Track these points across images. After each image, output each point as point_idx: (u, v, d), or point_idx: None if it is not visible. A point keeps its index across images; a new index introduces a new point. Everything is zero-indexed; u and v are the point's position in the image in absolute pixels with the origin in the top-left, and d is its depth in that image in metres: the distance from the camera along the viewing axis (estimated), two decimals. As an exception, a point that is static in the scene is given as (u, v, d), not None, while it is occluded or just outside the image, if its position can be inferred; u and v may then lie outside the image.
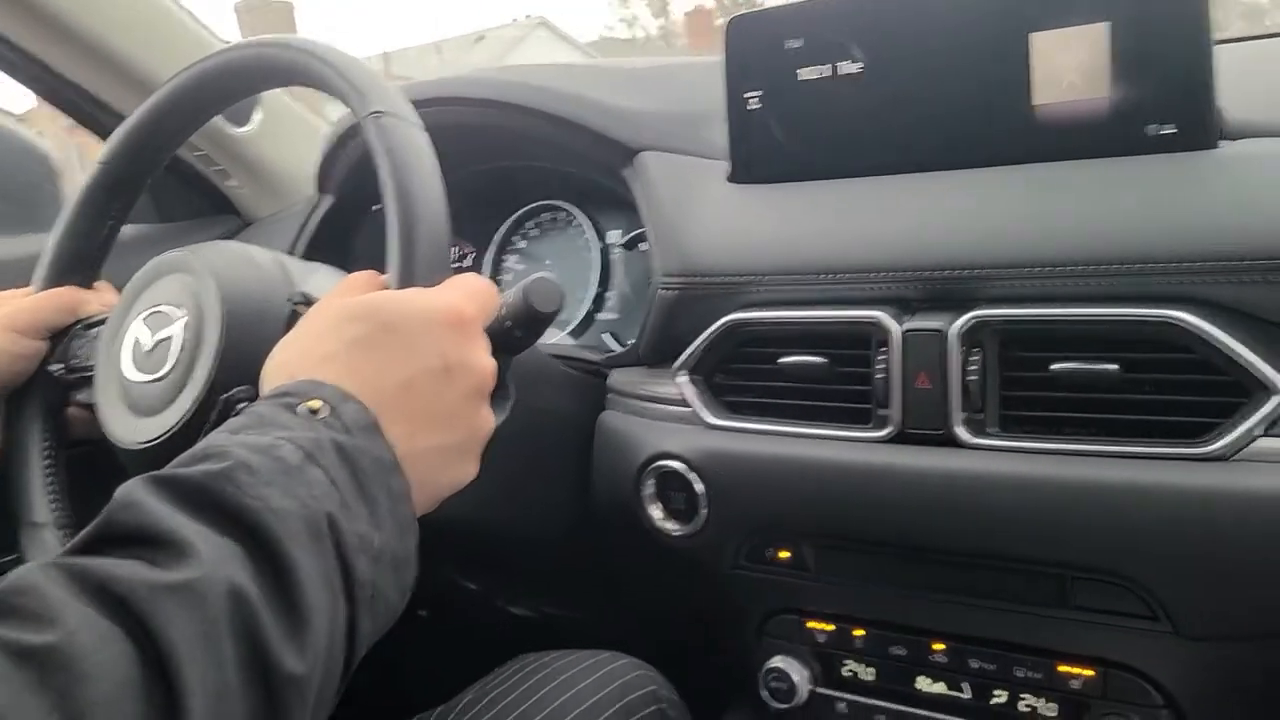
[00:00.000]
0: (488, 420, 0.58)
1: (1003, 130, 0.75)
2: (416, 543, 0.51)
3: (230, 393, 0.56)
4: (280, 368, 0.55)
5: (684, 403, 0.82)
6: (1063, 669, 0.73)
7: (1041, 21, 0.72)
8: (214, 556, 0.40)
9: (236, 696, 0.39)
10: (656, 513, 0.84)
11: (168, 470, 0.44)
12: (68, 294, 0.79)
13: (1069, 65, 0.72)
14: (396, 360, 0.53)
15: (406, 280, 0.59)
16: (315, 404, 0.49)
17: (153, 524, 0.41)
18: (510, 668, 0.81)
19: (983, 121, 0.76)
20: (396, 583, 0.49)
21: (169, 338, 0.68)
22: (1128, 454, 0.66)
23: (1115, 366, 0.66)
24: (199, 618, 0.38)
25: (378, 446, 0.50)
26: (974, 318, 0.70)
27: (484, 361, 0.57)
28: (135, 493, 0.43)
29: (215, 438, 0.47)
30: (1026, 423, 0.70)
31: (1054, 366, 0.68)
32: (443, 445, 0.55)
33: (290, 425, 0.48)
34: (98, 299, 0.81)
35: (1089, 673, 0.72)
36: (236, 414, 0.51)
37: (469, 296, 0.58)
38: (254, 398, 0.55)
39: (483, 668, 0.83)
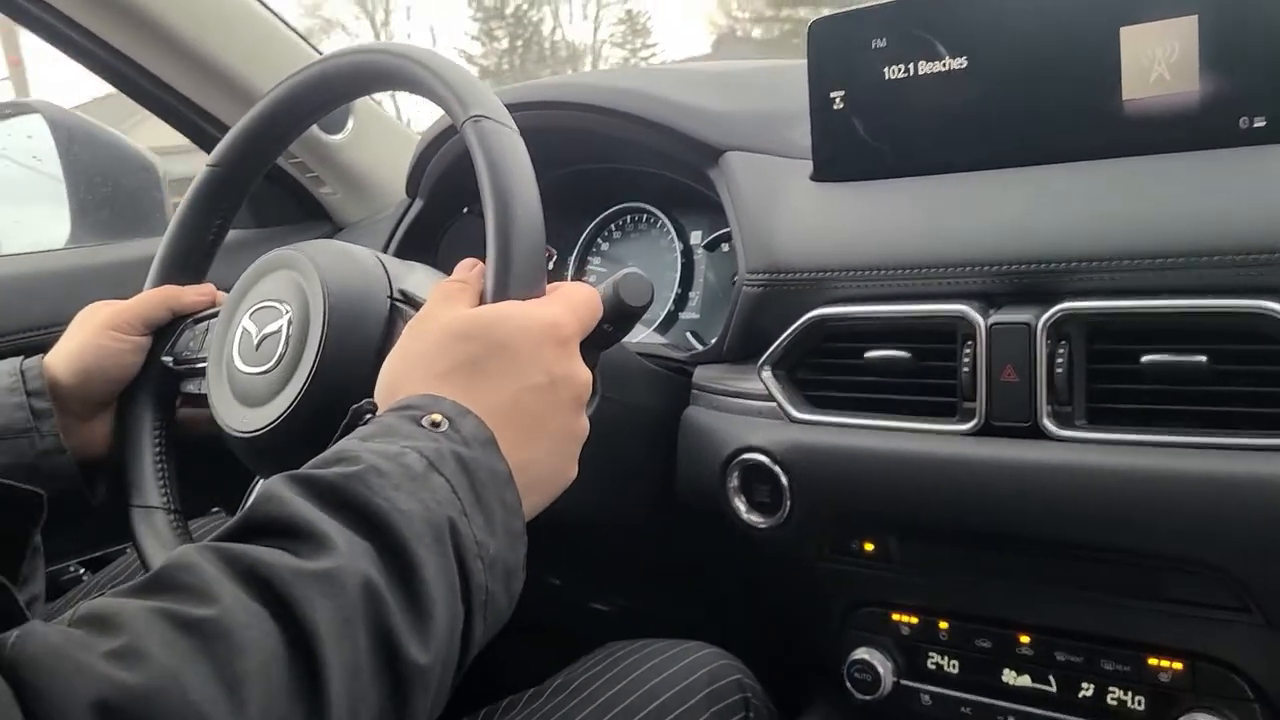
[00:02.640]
0: (585, 425, 0.62)
1: (1091, 125, 0.75)
2: (525, 554, 0.54)
3: (359, 404, 0.59)
4: (396, 383, 0.58)
5: (768, 397, 0.84)
6: (1152, 662, 0.72)
7: (1131, 15, 0.72)
8: (349, 550, 0.44)
9: (368, 679, 0.42)
10: (741, 506, 0.85)
11: (305, 470, 0.48)
12: (165, 291, 0.84)
13: (1159, 58, 0.72)
14: (505, 378, 0.57)
15: (502, 289, 0.61)
16: (437, 417, 0.52)
17: (294, 517, 0.45)
18: (598, 654, 0.83)
19: (1071, 117, 0.76)
20: (506, 591, 0.52)
21: (276, 332, 0.72)
22: (1218, 445, 0.65)
23: (1204, 358, 0.66)
24: (337, 604, 0.42)
25: (494, 460, 0.53)
26: (1061, 310, 0.70)
27: (583, 373, 0.60)
28: (277, 489, 0.46)
29: (347, 444, 0.51)
30: (1114, 415, 0.70)
31: (1144, 359, 0.68)
32: (547, 455, 0.58)
33: (415, 436, 0.51)
34: (195, 293, 0.85)
35: (1178, 666, 0.72)
36: (364, 424, 0.55)
37: (570, 309, 0.61)
38: (376, 410, 0.58)
39: (565, 659, 0.85)
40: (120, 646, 0.37)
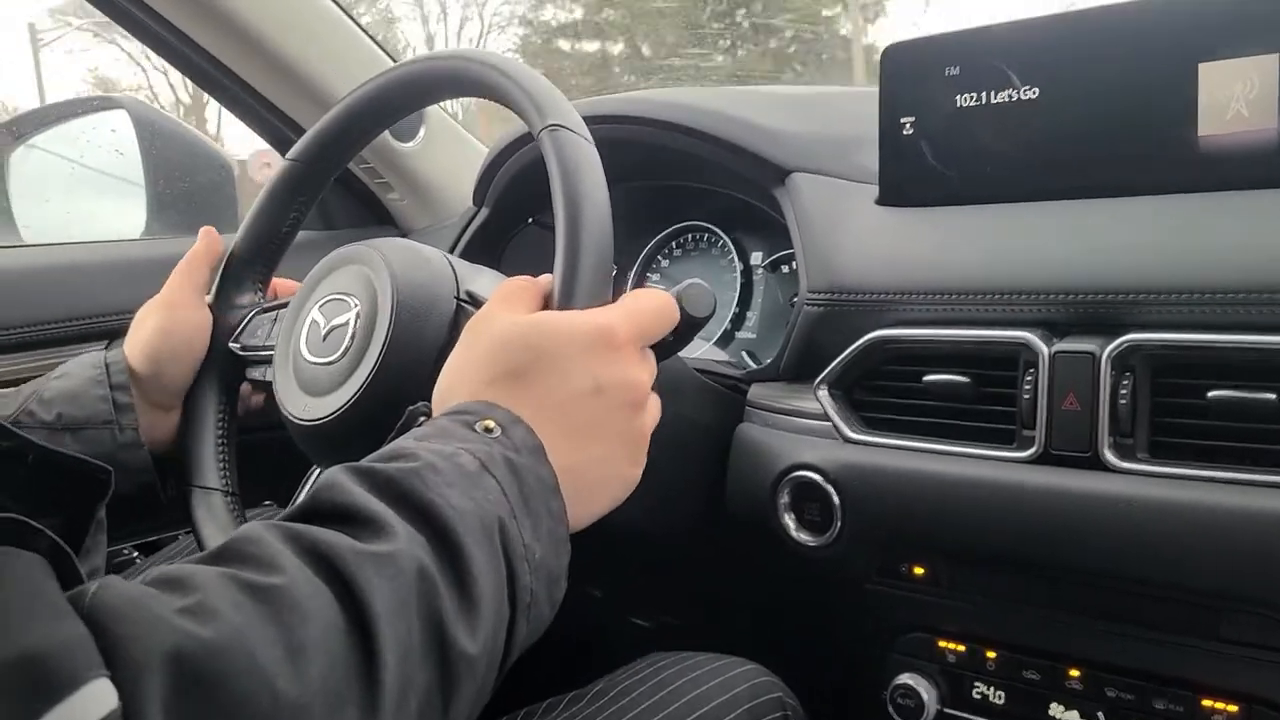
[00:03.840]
0: (645, 425, 0.62)
1: (1165, 159, 0.75)
2: (568, 561, 0.55)
3: (414, 406, 0.60)
4: (451, 389, 0.60)
5: (823, 417, 0.84)
6: (1206, 703, 0.71)
7: (1211, 52, 0.72)
8: (406, 537, 0.45)
9: (419, 661, 0.43)
10: (791, 523, 0.85)
11: (364, 463, 0.50)
12: (200, 246, 0.86)
13: (1237, 95, 0.72)
14: (551, 386, 0.57)
15: (567, 297, 0.61)
16: (490, 423, 0.54)
17: (354, 503, 0.46)
18: (640, 663, 0.83)
19: (1144, 150, 0.76)
20: (549, 596, 0.53)
21: (343, 324, 0.73)
22: (1281, 485, 0.64)
23: (1273, 396, 0.65)
24: (394, 585, 0.43)
25: (542, 467, 0.54)
26: (1127, 342, 0.69)
27: (635, 375, 0.60)
28: (338, 477, 0.48)
29: (403, 442, 0.52)
30: (1178, 449, 0.69)
31: (1210, 394, 0.67)
32: (600, 460, 0.59)
33: (468, 439, 0.52)
34: (212, 239, 0.87)
35: (1233, 708, 0.70)
36: (419, 425, 0.56)
37: (627, 315, 0.61)
38: (429, 413, 0.59)
39: (602, 669, 0.85)
40: (194, 604, 0.38)
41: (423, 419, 0.58)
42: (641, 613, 1.16)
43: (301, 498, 0.48)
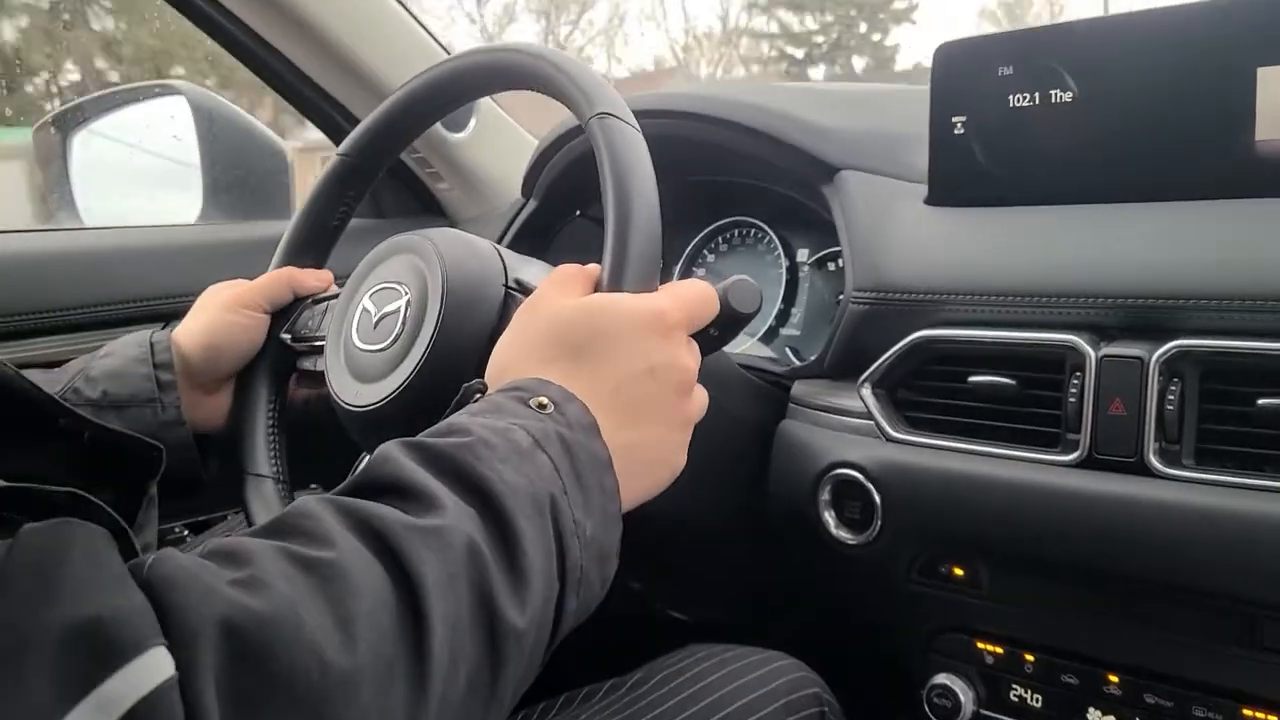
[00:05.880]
0: (691, 410, 0.63)
1: (1220, 164, 0.74)
2: (619, 538, 0.55)
3: (469, 383, 0.61)
4: (506, 365, 0.61)
5: (866, 415, 0.84)
6: (1246, 712, 0.70)
7: (1270, 57, 0.71)
8: (456, 512, 0.46)
9: (468, 634, 0.44)
10: (831, 520, 0.85)
11: (418, 438, 0.51)
12: (288, 273, 0.87)
13: (1294, 101, 0.71)
14: (607, 365, 0.58)
15: (616, 281, 0.62)
16: (544, 400, 0.54)
17: (406, 477, 0.47)
18: (680, 653, 0.83)
19: (1200, 155, 0.75)
20: (599, 573, 0.53)
21: (394, 312, 0.74)
22: (1331, 495, 0.64)
23: (1324, 406, 0.65)
24: (444, 559, 0.44)
25: (595, 444, 0.55)
26: (1176, 347, 0.69)
27: (684, 359, 0.61)
28: (391, 451, 0.49)
29: (458, 418, 0.53)
30: (1224, 456, 0.69)
31: (1261, 401, 0.66)
32: (651, 441, 0.60)
33: (522, 415, 0.53)
34: (314, 277, 0.88)
35: (1274, 718, 0.70)
36: (474, 401, 0.57)
37: (677, 301, 0.62)
38: (486, 390, 0.60)
39: (643, 659, 0.85)
40: (246, 576, 0.39)
41: (478, 395, 0.59)
42: (680, 606, 1.16)
43: (355, 473, 0.49)
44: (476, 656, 0.44)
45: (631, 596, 1.14)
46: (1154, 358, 0.70)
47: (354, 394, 0.74)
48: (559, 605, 0.50)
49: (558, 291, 0.63)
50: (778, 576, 1.00)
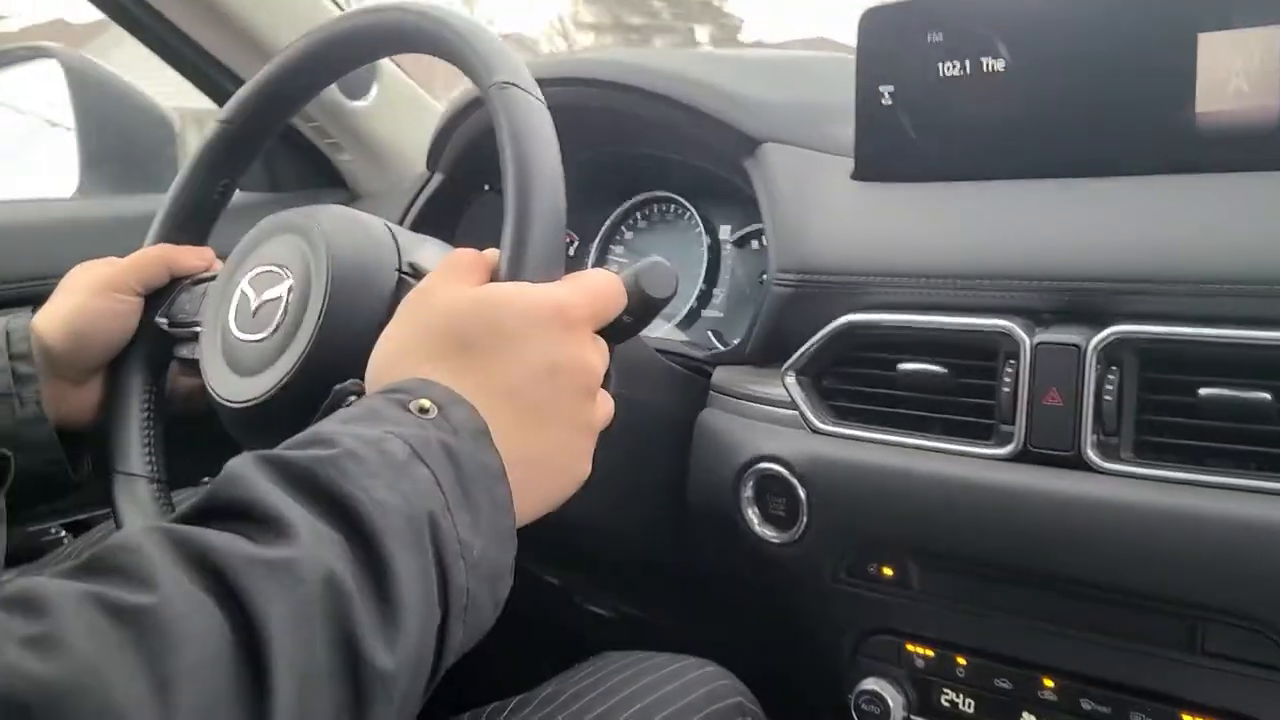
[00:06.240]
0: (596, 416, 0.58)
1: (1160, 137, 0.70)
2: (514, 556, 0.50)
3: (341, 385, 0.56)
4: (387, 365, 0.55)
5: (790, 404, 0.79)
6: (1185, 718, 0.68)
7: (1212, 21, 0.67)
8: (313, 540, 0.40)
9: (323, 683, 0.38)
10: (754, 518, 0.81)
11: (276, 451, 0.44)
12: (161, 251, 0.80)
13: (1237, 70, 0.67)
14: (502, 363, 0.53)
15: (515, 269, 0.58)
16: (425, 403, 0.49)
17: (257, 500, 0.41)
18: (592, 664, 0.79)
19: (1139, 127, 0.71)
20: (490, 595, 0.48)
21: (275, 298, 0.68)
22: (1276, 490, 0.61)
23: (1268, 395, 0.61)
24: (293, 596, 0.38)
25: (486, 453, 0.49)
26: (1115, 334, 0.65)
27: (590, 358, 0.56)
28: (243, 469, 0.43)
29: (325, 425, 0.47)
30: (1165, 449, 0.65)
31: (1201, 391, 0.63)
32: (551, 448, 0.54)
33: (400, 421, 0.47)
34: (194, 255, 0.81)
35: (1215, 725, 0.67)
36: (347, 405, 0.51)
37: (582, 293, 0.57)
38: (362, 392, 0.55)
39: (558, 664, 0.81)
40: (38, 634, 0.33)
41: (352, 398, 0.54)
42: (602, 602, 1.12)
43: (201, 493, 0.43)
44: (335, 707, 0.38)
45: (550, 591, 1.09)
46: (1091, 345, 0.66)
47: (232, 388, 0.69)
48: (441, 636, 0.44)
49: (449, 280, 0.57)
50: (701, 576, 0.95)
